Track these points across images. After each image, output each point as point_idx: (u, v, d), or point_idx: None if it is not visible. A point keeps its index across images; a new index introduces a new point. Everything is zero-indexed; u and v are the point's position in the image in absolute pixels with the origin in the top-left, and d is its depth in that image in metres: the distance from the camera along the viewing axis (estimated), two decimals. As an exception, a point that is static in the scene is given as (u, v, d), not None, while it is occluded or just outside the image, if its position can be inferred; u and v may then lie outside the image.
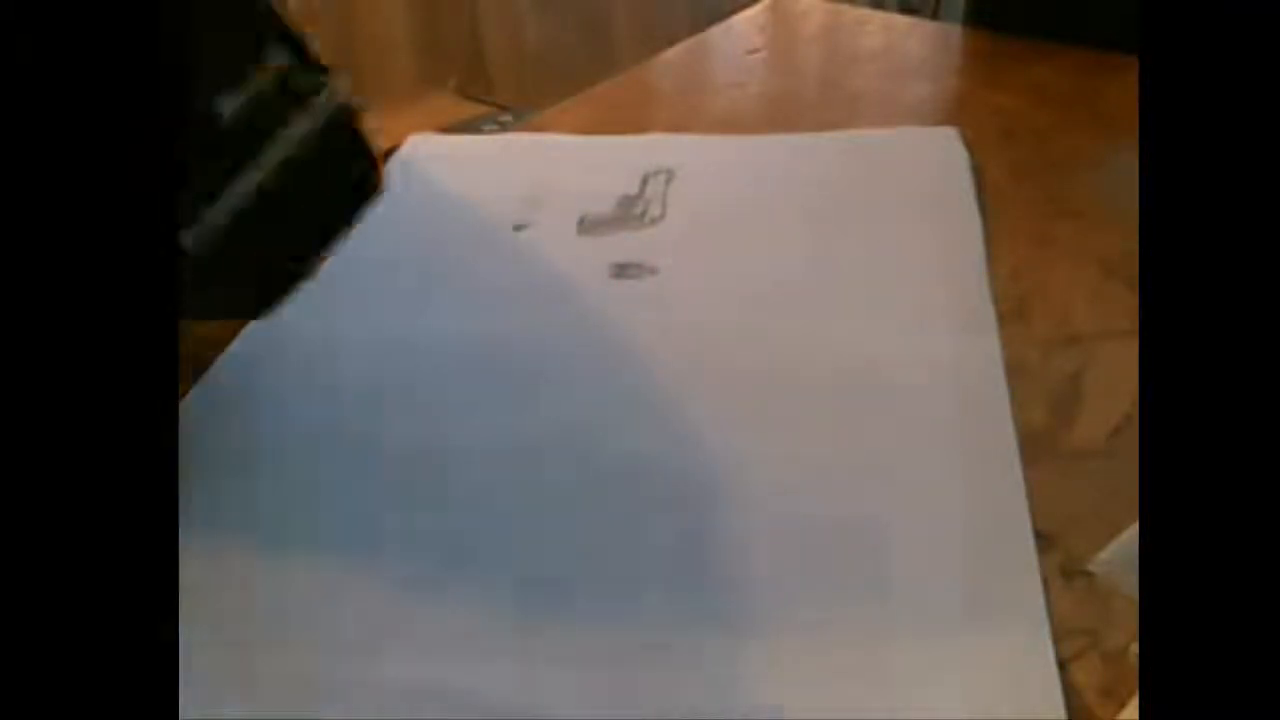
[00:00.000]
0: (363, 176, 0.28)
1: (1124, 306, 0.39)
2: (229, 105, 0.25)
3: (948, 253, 0.42)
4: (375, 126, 0.42)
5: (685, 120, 0.56)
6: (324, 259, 0.28)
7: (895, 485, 0.31)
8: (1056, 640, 0.27)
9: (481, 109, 1.23)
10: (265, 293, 0.28)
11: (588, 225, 0.45)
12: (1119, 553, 0.29)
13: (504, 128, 0.86)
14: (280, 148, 0.26)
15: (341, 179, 0.28)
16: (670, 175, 0.48)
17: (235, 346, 0.41)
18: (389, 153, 0.56)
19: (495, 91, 1.40)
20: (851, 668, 0.27)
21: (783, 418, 0.35)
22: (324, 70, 0.26)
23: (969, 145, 0.49)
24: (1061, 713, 0.25)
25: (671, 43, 0.68)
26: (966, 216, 0.44)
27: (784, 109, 0.60)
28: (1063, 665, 0.26)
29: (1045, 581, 0.28)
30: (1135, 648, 0.27)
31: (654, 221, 0.45)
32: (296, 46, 0.26)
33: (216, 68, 0.25)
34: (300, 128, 0.26)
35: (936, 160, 0.49)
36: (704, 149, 0.51)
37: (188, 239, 0.25)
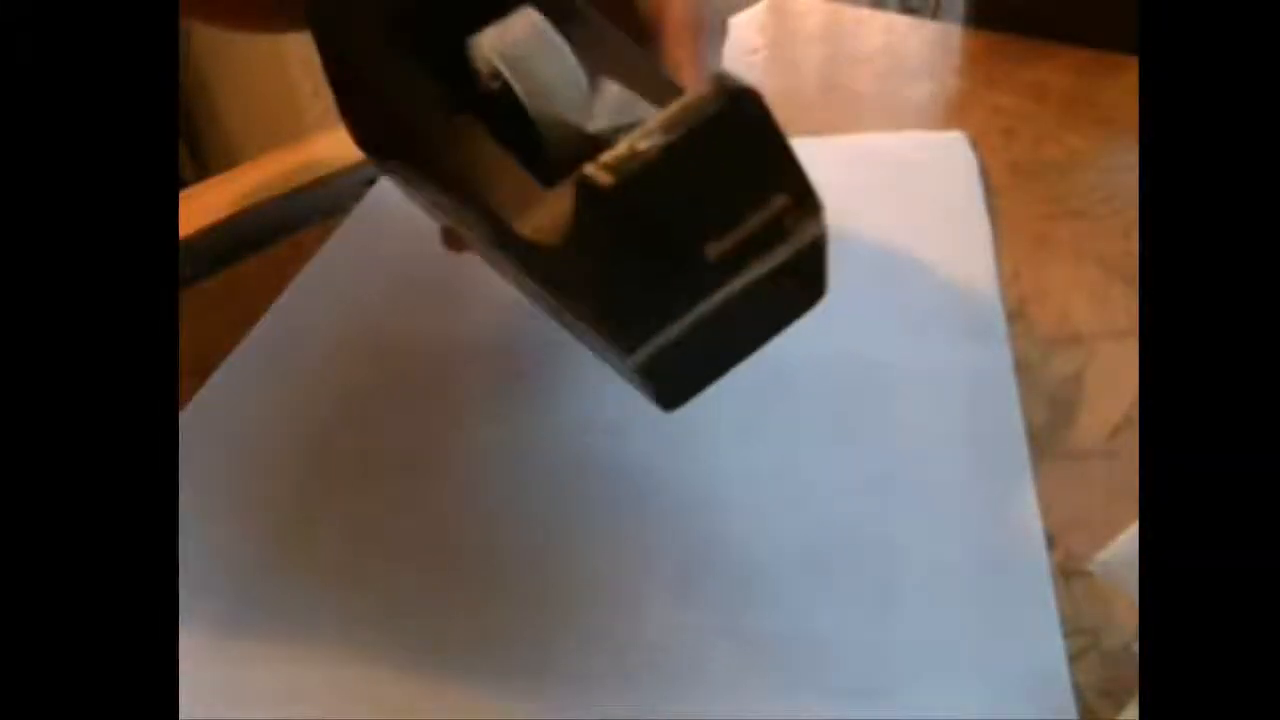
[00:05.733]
0: (807, 304, 0.28)
1: (1124, 306, 0.39)
2: (715, 249, 0.25)
3: (958, 258, 0.42)
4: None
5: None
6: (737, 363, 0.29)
7: (904, 490, 0.31)
8: (1056, 640, 0.27)
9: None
10: (680, 393, 0.28)
11: None
12: (1119, 553, 0.28)
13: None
14: (749, 276, 0.26)
15: (790, 306, 0.28)
16: None
17: (239, 350, 0.41)
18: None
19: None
20: (862, 669, 0.27)
21: (789, 421, 0.35)
22: (817, 208, 0.26)
23: (976, 150, 0.49)
24: (1074, 714, 0.25)
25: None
26: (976, 222, 0.44)
27: (784, 109, 0.59)
28: (1063, 665, 0.26)
29: (1045, 581, 0.28)
30: (1135, 648, 0.27)
31: None
32: (799, 186, 0.26)
33: (712, 214, 0.25)
34: (773, 260, 0.26)
35: (946, 166, 0.49)
36: None
37: (640, 355, 0.25)
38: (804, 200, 0.26)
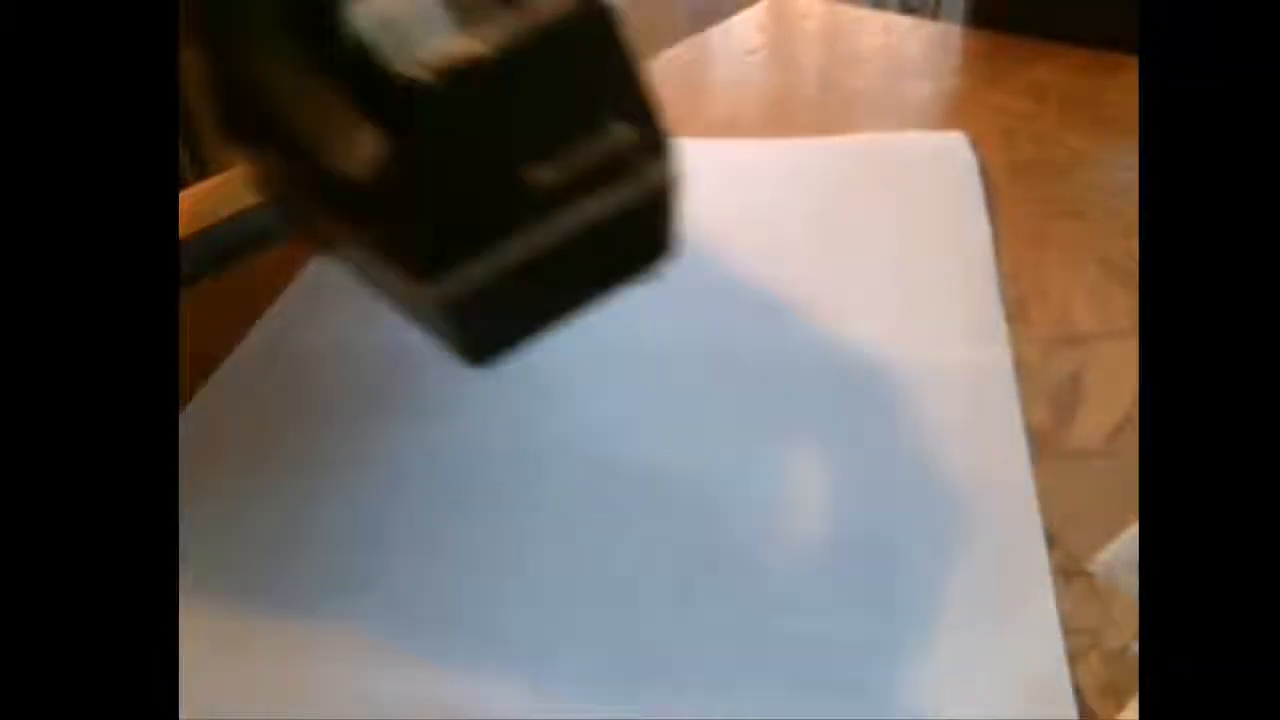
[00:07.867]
0: (644, 264, 0.26)
1: (1124, 306, 0.39)
2: (541, 176, 0.22)
3: (958, 259, 0.42)
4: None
5: (685, 121, 0.56)
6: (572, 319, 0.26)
7: (904, 490, 0.31)
8: (1056, 640, 0.27)
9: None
10: (486, 345, 0.25)
11: None
12: (1119, 553, 0.29)
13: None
14: (578, 214, 0.23)
15: (625, 264, 0.26)
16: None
17: (239, 350, 0.41)
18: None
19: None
20: (862, 669, 0.27)
21: (789, 420, 0.35)
22: (664, 146, 0.24)
23: (976, 150, 0.49)
24: (1073, 713, 0.25)
25: (671, 43, 0.68)
26: (976, 222, 0.44)
27: (784, 109, 0.60)
28: (1063, 665, 0.26)
29: (1045, 581, 0.28)
30: (1135, 648, 0.27)
31: None
32: (644, 118, 0.23)
33: (542, 134, 0.22)
34: (616, 198, 0.23)
35: (946, 166, 0.48)
36: (709, 153, 0.51)
37: (443, 288, 0.23)
38: (648, 135, 0.23)
